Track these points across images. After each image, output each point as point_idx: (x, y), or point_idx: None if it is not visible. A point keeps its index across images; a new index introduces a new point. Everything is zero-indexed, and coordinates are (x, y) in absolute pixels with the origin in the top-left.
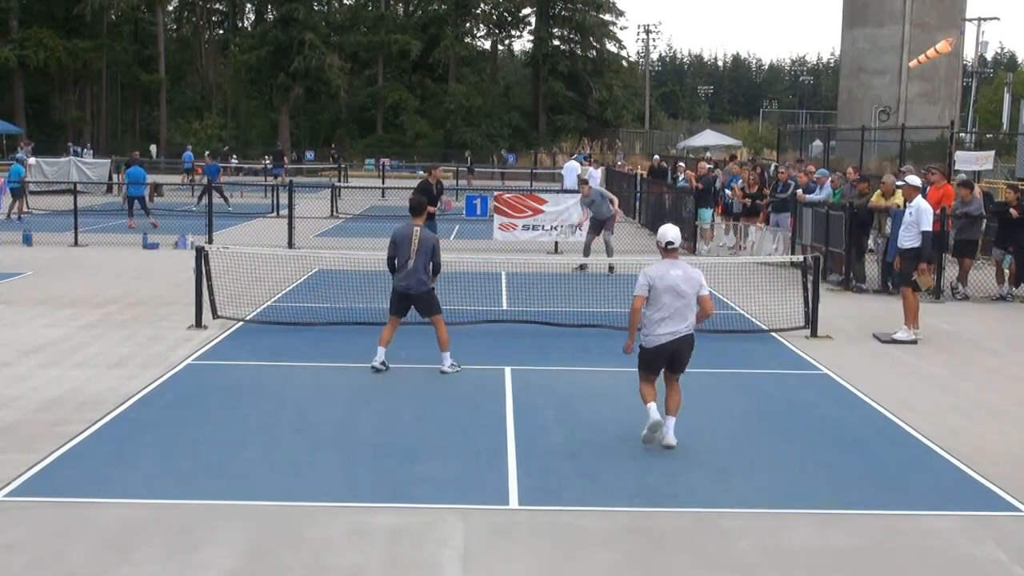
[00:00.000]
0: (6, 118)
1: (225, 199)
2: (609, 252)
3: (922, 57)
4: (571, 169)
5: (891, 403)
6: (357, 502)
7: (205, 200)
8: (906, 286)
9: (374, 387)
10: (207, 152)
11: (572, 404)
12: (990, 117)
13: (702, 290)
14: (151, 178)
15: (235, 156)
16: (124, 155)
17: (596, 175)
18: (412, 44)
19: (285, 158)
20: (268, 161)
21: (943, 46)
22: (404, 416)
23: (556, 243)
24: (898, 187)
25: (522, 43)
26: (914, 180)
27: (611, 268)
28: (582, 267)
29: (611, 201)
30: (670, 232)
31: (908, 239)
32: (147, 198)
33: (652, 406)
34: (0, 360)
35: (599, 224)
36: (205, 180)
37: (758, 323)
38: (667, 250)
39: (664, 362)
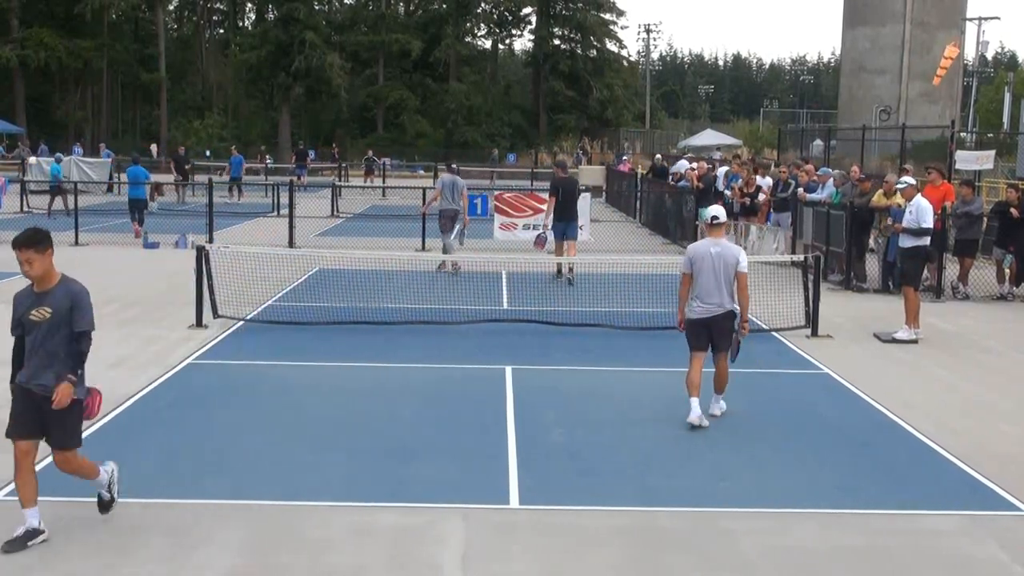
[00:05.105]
0: (7, 118)
1: (237, 193)
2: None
3: (940, 71)
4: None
5: (892, 402)
6: (357, 502)
7: (235, 195)
8: (907, 285)
9: (374, 387)
10: (234, 147)
11: (572, 404)
12: (990, 117)
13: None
14: (152, 178)
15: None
16: (126, 155)
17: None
18: (413, 43)
19: (308, 157)
20: (269, 161)
21: (951, 50)
22: (404, 416)
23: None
24: (898, 189)
25: (523, 42)
26: (909, 181)
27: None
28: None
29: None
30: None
31: (909, 238)
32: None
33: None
34: (0, 360)
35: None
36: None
37: (759, 322)
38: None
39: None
